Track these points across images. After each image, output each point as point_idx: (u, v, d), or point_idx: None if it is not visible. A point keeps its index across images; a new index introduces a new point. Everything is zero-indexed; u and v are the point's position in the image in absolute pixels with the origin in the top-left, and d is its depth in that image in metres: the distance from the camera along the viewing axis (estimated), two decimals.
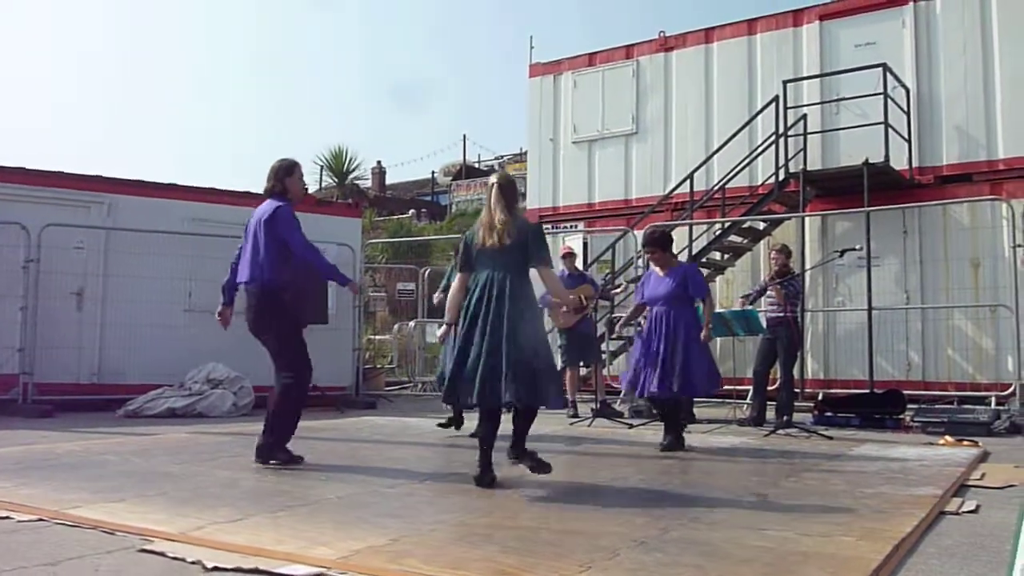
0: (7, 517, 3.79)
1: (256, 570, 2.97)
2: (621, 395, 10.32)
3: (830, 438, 7.18)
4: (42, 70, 72.47)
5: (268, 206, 5.43)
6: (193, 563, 3.06)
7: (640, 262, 10.71)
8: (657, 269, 6.61)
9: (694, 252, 10.93)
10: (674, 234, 11.64)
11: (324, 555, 3.12)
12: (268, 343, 5.43)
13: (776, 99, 10.77)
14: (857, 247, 8.62)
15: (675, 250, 10.88)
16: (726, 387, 10.65)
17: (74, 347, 9.36)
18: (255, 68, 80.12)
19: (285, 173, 5.50)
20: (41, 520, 3.73)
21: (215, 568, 2.99)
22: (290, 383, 5.34)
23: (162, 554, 3.18)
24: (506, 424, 4.78)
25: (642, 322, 6.94)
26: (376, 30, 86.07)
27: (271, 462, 5.29)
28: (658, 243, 6.61)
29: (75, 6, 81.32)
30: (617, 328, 7.42)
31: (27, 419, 8.29)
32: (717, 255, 11.32)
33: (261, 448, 5.33)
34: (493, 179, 4.83)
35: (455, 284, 4.93)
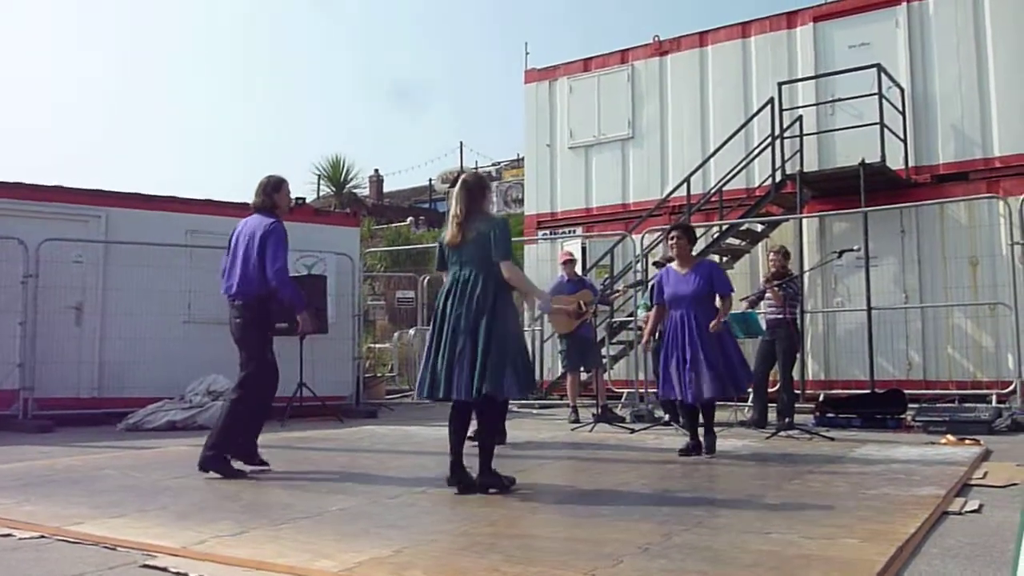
0: (8, 535, 3.78)
1: None
2: (623, 398, 10.31)
3: (832, 439, 7.18)
4: (41, 70, 72.63)
5: (259, 221, 5.55)
6: None
7: (639, 266, 10.71)
8: (675, 265, 6.42)
9: (693, 255, 10.91)
10: None
11: (327, 568, 3.11)
12: (241, 353, 5.55)
13: (771, 101, 10.79)
14: (855, 247, 8.64)
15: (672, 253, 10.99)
16: None
17: (74, 361, 9.34)
18: (252, 75, 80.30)
19: (273, 189, 5.67)
20: (43, 537, 3.72)
21: None
22: (241, 397, 5.47)
23: (164, 569, 3.18)
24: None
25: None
26: (371, 38, 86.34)
27: (211, 472, 5.29)
28: (687, 230, 6.50)
29: (74, 7, 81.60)
30: (643, 344, 7.06)
31: (27, 434, 8.27)
32: (716, 257, 11.30)
33: (206, 460, 5.33)
34: (461, 177, 4.94)
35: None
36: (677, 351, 6.19)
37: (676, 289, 6.29)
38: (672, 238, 6.43)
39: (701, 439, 6.33)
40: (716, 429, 6.51)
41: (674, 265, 6.43)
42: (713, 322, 6.07)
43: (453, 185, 4.95)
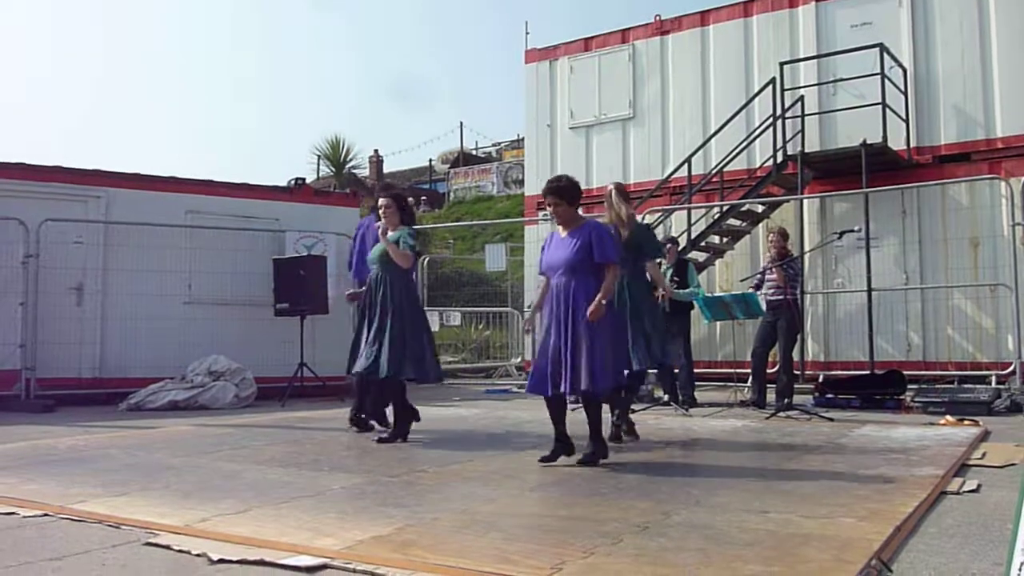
0: (12, 513, 3.81)
1: (261, 561, 2.99)
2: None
3: (831, 420, 7.21)
4: (40, 46, 72.44)
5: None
6: (198, 555, 3.08)
7: None
8: (560, 228, 5.18)
9: (693, 236, 10.92)
10: (673, 218, 11.78)
11: (328, 546, 3.13)
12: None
13: (773, 81, 10.73)
14: (856, 228, 8.62)
15: (675, 233, 10.98)
16: (726, 370, 10.75)
17: (75, 342, 9.35)
18: (252, 56, 79.98)
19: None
20: (46, 515, 3.75)
21: (220, 560, 3.01)
22: None
23: (167, 547, 3.20)
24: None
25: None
26: (371, 18, 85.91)
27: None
28: (562, 192, 5.07)
29: None
30: (525, 324, 5.88)
31: (30, 414, 8.30)
32: (716, 239, 11.31)
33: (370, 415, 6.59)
34: (610, 186, 5.98)
35: None
36: (549, 331, 4.99)
37: (551, 256, 5.11)
38: (549, 205, 5.22)
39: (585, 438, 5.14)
40: (715, 409, 6.50)
41: (560, 228, 5.20)
42: (591, 306, 4.82)
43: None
